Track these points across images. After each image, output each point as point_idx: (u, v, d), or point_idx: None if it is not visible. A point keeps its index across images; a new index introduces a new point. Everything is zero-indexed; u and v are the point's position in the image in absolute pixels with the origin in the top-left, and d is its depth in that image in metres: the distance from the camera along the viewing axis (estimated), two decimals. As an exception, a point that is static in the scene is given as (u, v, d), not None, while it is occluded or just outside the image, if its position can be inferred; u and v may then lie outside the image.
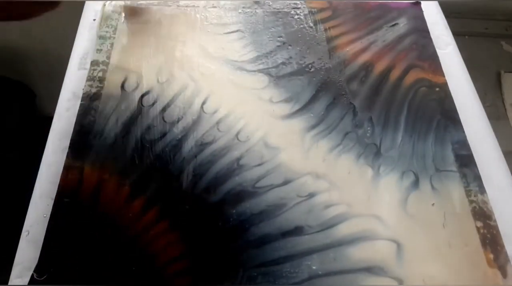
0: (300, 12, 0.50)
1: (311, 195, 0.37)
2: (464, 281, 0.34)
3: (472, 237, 0.36)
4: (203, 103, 0.42)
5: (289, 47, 0.47)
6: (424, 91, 0.44)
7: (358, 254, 0.34)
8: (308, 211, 0.36)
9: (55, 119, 0.41)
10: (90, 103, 0.42)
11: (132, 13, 0.49)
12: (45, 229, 0.35)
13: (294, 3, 0.51)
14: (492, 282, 0.34)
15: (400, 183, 0.38)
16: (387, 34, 0.49)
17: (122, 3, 0.49)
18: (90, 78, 0.43)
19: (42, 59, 0.89)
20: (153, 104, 0.42)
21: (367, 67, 0.46)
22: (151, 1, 0.50)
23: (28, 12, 0.44)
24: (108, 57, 0.45)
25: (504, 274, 0.34)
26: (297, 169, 0.38)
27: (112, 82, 0.43)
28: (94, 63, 0.45)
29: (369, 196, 0.37)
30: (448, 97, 0.44)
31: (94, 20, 0.48)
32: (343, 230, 0.35)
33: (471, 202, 0.37)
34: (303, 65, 0.46)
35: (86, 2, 0.50)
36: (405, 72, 0.46)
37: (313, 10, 0.50)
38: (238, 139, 0.40)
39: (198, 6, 0.50)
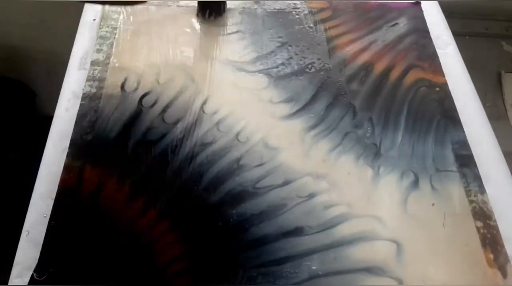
0: (300, 12, 0.50)
1: (311, 196, 0.37)
2: (464, 281, 0.34)
3: (472, 237, 0.36)
4: (203, 103, 0.42)
5: (289, 47, 0.47)
6: (424, 91, 0.44)
7: (358, 254, 0.34)
8: (308, 212, 0.36)
9: (55, 119, 0.41)
10: (90, 103, 0.42)
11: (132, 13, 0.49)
12: (45, 229, 0.35)
13: (294, 3, 0.51)
14: (492, 282, 0.34)
15: (400, 183, 0.38)
16: (387, 34, 0.49)
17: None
18: (90, 78, 0.43)
19: (42, 59, 0.89)
20: (153, 105, 0.42)
21: (367, 67, 0.46)
22: (151, 1, 0.50)
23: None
24: (108, 57, 0.45)
25: (504, 274, 0.34)
26: (297, 170, 0.38)
27: (112, 83, 0.43)
28: (94, 63, 0.45)
29: (369, 196, 0.37)
30: (448, 97, 0.44)
31: (94, 20, 0.48)
32: (343, 230, 0.35)
33: (471, 202, 0.37)
34: (303, 66, 0.46)
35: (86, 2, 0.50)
36: (405, 72, 0.46)
37: (313, 10, 0.50)
38: (238, 140, 0.40)
39: (198, 6, 0.50)
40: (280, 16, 0.50)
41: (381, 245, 0.35)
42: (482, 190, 0.38)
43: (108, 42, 0.46)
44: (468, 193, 0.38)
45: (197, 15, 0.49)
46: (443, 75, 0.46)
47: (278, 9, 0.50)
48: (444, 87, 0.45)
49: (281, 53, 0.46)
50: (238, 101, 0.43)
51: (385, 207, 0.37)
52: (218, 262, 0.34)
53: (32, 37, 0.83)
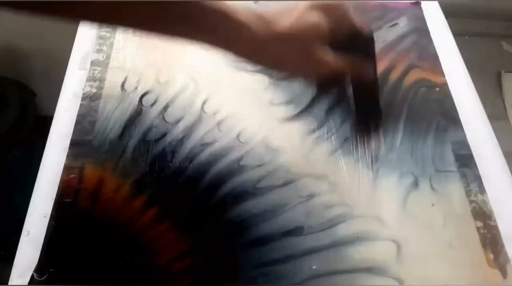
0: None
1: (311, 196, 0.37)
2: (464, 281, 0.34)
3: (472, 237, 0.36)
4: (204, 103, 0.42)
5: (289, 47, 0.47)
6: (424, 92, 0.44)
7: (358, 254, 0.34)
8: (308, 212, 0.36)
9: (55, 119, 0.41)
10: (90, 103, 0.42)
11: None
12: (45, 229, 0.35)
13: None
14: (492, 282, 0.34)
15: (400, 183, 0.38)
16: (387, 34, 0.49)
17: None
18: (90, 78, 0.43)
19: (42, 59, 0.89)
20: (153, 104, 0.42)
21: (367, 67, 0.46)
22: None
23: None
24: (108, 57, 0.45)
25: (504, 274, 0.34)
26: (298, 170, 0.38)
27: (112, 82, 0.43)
28: (94, 63, 0.45)
29: (369, 197, 0.37)
30: (448, 97, 0.44)
31: (94, 20, 0.48)
32: (343, 230, 0.35)
33: (471, 202, 0.37)
34: (303, 65, 0.45)
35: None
36: (405, 72, 0.46)
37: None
38: (239, 140, 0.40)
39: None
40: (280, 16, 0.50)
41: (381, 245, 0.35)
42: (482, 190, 0.38)
43: (108, 42, 0.46)
44: (468, 193, 0.38)
45: None
46: (443, 75, 0.46)
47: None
48: (444, 87, 0.45)
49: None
50: (239, 101, 0.43)
51: (385, 207, 0.37)
52: (219, 261, 0.34)
53: (32, 37, 0.83)
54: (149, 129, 0.40)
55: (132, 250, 0.34)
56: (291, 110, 0.42)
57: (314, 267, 0.34)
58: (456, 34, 0.50)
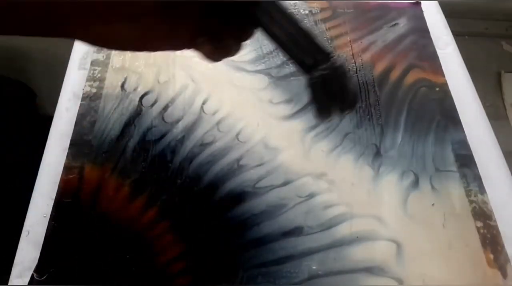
0: (300, 12, 0.50)
1: (311, 195, 0.37)
2: (464, 281, 0.34)
3: (472, 237, 0.36)
4: (203, 103, 0.42)
5: (289, 47, 0.47)
6: (424, 91, 0.44)
7: (358, 254, 0.34)
8: (308, 211, 0.36)
9: (55, 119, 0.41)
10: (90, 103, 0.42)
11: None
12: (45, 229, 0.35)
13: (294, 3, 0.51)
14: (492, 282, 0.34)
15: (400, 183, 0.38)
16: (387, 34, 0.49)
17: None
18: (90, 78, 0.43)
19: (42, 59, 0.89)
20: (153, 104, 0.42)
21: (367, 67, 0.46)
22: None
23: None
24: (108, 57, 0.45)
25: (504, 274, 0.34)
26: (297, 170, 0.38)
27: (112, 82, 0.43)
28: (94, 63, 0.45)
29: (369, 196, 0.37)
30: (448, 97, 0.44)
31: (94, 20, 0.48)
32: (343, 230, 0.35)
33: (471, 202, 0.37)
34: (303, 65, 0.45)
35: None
36: (405, 72, 0.46)
37: (313, 10, 0.50)
38: (238, 140, 0.40)
39: (198, 6, 0.50)
40: (280, 16, 0.50)
41: (381, 245, 0.35)
42: (482, 190, 0.38)
43: (108, 42, 0.46)
44: (468, 193, 0.38)
45: None
46: (443, 75, 0.46)
47: (278, 9, 0.50)
48: (444, 87, 0.45)
49: (281, 53, 0.46)
50: (238, 101, 0.43)
51: (385, 207, 0.37)
52: (218, 262, 0.34)
53: (32, 37, 0.83)
54: (148, 129, 0.40)
55: (132, 250, 0.34)
56: (290, 108, 0.42)
57: (314, 267, 0.34)
58: (456, 34, 0.50)
